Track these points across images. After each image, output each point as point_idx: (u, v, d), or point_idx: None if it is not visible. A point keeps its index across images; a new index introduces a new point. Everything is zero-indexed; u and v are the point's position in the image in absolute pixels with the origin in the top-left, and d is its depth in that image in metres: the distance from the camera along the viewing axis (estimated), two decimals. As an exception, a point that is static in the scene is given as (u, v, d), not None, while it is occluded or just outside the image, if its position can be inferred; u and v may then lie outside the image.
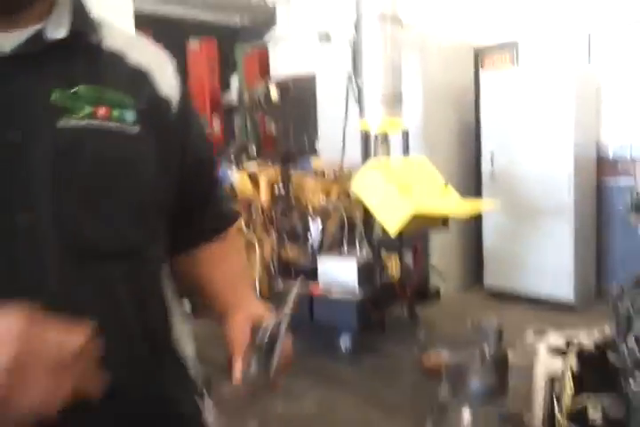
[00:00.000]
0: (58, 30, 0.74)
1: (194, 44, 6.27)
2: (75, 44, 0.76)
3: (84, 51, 0.77)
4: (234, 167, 4.79)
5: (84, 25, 0.78)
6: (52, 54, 0.73)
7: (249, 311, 0.91)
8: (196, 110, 0.94)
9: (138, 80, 0.82)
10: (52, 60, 0.73)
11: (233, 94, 6.60)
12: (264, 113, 6.19)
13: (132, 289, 0.78)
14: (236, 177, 4.64)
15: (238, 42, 6.81)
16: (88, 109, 0.73)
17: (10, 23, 0.72)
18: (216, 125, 6.31)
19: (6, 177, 0.68)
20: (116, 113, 0.76)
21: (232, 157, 5.06)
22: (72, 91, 0.73)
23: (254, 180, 4.61)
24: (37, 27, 0.73)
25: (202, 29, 6.59)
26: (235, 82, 6.68)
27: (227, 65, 6.54)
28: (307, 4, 6.14)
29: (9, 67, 0.70)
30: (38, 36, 0.73)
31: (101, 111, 0.74)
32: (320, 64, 5.24)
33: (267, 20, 6.59)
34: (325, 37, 5.03)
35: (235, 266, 1.03)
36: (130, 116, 0.77)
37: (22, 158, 0.68)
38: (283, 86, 5.74)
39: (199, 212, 0.96)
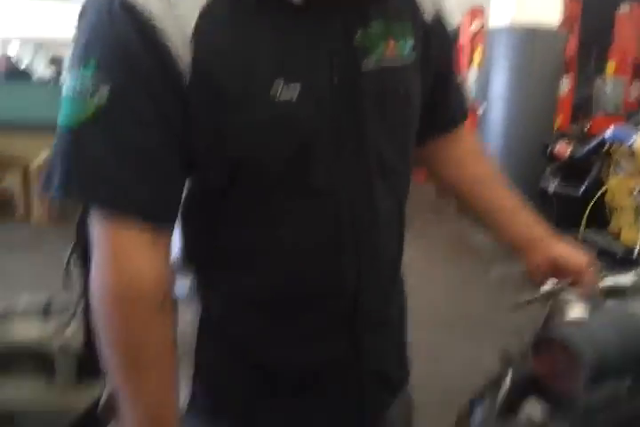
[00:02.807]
0: None
1: (624, 8, 6.25)
2: None
3: None
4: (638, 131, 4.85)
5: None
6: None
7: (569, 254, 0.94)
8: (444, 14, 0.89)
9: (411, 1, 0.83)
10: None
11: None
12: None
13: (403, 203, 0.88)
14: (638, 140, 4.71)
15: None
16: (381, 47, 0.75)
17: None
18: (634, 90, 6.27)
19: (344, 114, 0.75)
20: (399, 46, 0.78)
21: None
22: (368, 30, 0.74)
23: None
24: None
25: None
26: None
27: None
28: None
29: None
30: None
31: (390, 47, 0.76)
32: None
33: None
34: None
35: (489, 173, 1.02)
36: (409, 45, 0.79)
37: (352, 98, 0.74)
38: None
39: (435, 104, 0.92)
